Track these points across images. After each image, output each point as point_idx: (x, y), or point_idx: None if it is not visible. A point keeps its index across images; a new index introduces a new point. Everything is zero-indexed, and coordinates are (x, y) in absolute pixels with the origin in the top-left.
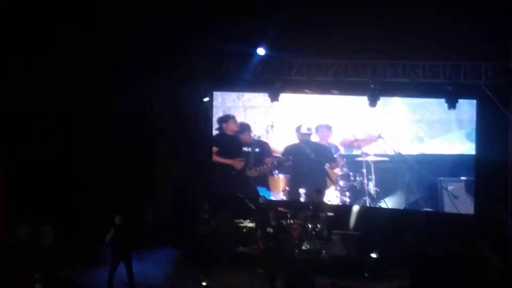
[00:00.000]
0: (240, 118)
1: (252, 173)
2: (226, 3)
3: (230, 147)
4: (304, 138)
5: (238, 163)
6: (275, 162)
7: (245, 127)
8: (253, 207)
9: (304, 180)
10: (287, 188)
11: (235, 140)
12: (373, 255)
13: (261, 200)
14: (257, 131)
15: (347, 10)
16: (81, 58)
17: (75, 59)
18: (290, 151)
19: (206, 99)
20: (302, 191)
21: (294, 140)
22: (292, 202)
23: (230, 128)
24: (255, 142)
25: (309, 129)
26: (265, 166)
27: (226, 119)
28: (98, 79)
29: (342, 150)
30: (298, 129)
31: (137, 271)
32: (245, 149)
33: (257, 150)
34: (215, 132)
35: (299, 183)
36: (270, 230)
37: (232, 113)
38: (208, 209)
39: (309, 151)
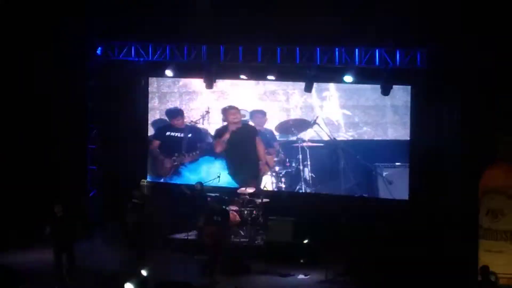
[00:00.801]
0: (175, 104)
1: (185, 159)
2: None
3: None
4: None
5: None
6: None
7: (177, 112)
8: (189, 193)
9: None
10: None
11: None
12: (309, 241)
13: (198, 186)
14: (193, 117)
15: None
16: None
17: None
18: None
19: (140, 85)
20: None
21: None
22: (228, 188)
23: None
24: (188, 127)
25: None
26: (197, 152)
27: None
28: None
29: (278, 136)
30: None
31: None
32: (177, 134)
33: (189, 135)
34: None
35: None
36: (218, 218)
37: (167, 98)
38: (140, 196)
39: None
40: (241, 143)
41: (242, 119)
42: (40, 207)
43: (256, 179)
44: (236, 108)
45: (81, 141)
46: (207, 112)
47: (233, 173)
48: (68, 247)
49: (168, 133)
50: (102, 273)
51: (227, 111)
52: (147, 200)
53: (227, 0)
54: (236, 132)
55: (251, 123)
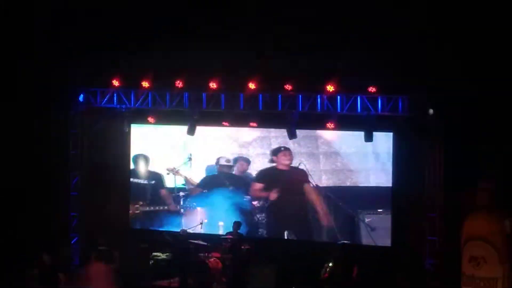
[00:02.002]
0: (158, 150)
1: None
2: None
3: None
4: (223, 170)
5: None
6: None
7: (142, 158)
8: (171, 240)
9: (222, 212)
10: (205, 220)
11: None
12: None
13: (181, 232)
14: (176, 164)
15: (263, 44)
16: None
17: None
18: (208, 183)
19: (126, 130)
20: (221, 223)
21: (213, 172)
22: (210, 235)
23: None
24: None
25: (228, 160)
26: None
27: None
28: None
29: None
30: (217, 161)
31: None
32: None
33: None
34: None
35: (217, 215)
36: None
37: (149, 146)
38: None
39: (227, 183)
40: (225, 191)
41: (226, 164)
42: (24, 254)
43: (239, 226)
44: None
45: (63, 188)
46: (189, 158)
47: (216, 219)
48: None
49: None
50: None
51: (218, 162)
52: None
53: (209, 48)
54: (223, 180)
55: (234, 169)
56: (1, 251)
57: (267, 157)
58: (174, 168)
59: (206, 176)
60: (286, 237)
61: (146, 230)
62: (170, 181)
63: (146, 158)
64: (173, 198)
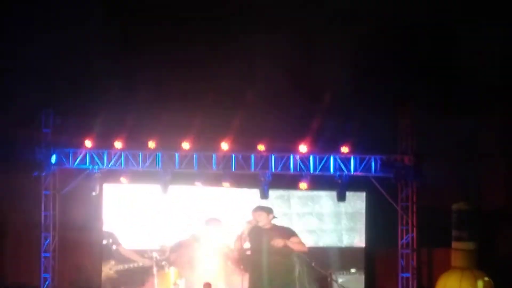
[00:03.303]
0: (131, 210)
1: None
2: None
3: None
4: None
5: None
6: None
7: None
8: None
9: (198, 273)
10: (178, 282)
11: None
12: None
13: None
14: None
15: (236, 104)
16: None
17: None
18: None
19: (94, 193)
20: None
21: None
22: None
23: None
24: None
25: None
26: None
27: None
28: None
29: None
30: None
31: None
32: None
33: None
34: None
35: (192, 276)
36: None
37: (121, 204)
38: None
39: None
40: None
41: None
42: None
43: None
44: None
45: (35, 250)
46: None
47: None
48: None
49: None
50: None
51: None
52: None
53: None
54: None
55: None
56: None
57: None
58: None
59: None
60: None
61: None
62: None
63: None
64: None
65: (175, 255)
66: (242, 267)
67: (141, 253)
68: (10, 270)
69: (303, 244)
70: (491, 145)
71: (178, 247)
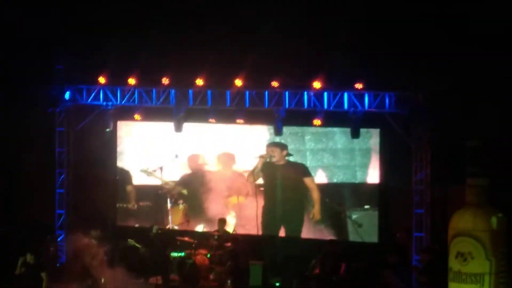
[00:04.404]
0: (145, 147)
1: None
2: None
3: None
4: (201, 168)
5: None
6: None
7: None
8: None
9: (211, 208)
10: (191, 217)
11: None
12: (279, 284)
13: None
14: (163, 161)
15: (250, 40)
16: None
17: None
18: (188, 181)
19: (108, 130)
20: (206, 220)
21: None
22: (196, 232)
23: None
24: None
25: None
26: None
27: None
28: None
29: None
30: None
31: None
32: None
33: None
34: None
35: (206, 211)
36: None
37: (136, 142)
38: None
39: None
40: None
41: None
42: (8, 253)
43: (224, 223)
44: None
45: (49, 185)
46: (176, 156)
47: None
48: None
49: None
50: None
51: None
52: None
53: (195, 43)
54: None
55: (219, 165)
56: None
57: (254, 153)
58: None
59: (185, 174)
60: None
61: (132, 227)
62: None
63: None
64: (156, 195)
65: (188, 191)
66: (255, 202)
67: (154, 189)
68: (24, 207)
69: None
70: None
71: (191, 183)
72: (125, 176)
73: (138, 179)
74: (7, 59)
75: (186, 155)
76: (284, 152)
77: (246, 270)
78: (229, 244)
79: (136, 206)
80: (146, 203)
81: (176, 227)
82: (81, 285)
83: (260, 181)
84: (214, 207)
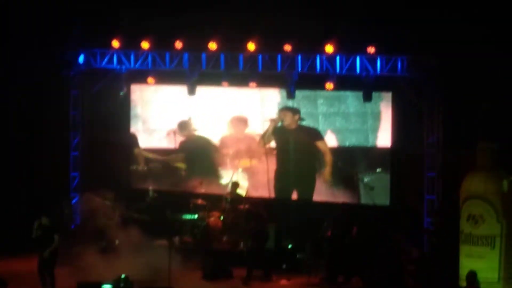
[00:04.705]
0: (158, 111)
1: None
2: None
3: None
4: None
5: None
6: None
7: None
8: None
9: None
10: (204, 180)
11: None
12: (290, 246)
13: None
14: (175, 124)
15: (263, 4)
16: None
17: None
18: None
19: (122, 93)
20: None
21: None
22: (210, 194)
23: None
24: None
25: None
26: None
27: None
28: None
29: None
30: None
31: None
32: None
33: (137, 139)
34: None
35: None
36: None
37: (149, 106)
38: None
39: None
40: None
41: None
42: (24, 215)
43: (237, 186)
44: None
45: (63, 148)
46: (189, 119)
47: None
48: (51, 264)
49: None
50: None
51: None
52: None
53: (208, 7)
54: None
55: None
56: (2, 212)
57: (266, 117)
58: (174, 130)
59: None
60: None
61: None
62: (170, 142)
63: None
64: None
65: (202, 153)
66: (267, 165)
67: (167, 152)
68: (39, 170)
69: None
70: None
71: (192, 149)
72: (134, 139)
73: (148, 141)
74: (23, 23)
75: (198, 119)
76: (296, 117)
77: (264, 232)
78: (241, 206)
79: (146, 168)
80: (156, 165)
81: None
82: (96, 247)
83: (273, 145)
84: (226, 171)
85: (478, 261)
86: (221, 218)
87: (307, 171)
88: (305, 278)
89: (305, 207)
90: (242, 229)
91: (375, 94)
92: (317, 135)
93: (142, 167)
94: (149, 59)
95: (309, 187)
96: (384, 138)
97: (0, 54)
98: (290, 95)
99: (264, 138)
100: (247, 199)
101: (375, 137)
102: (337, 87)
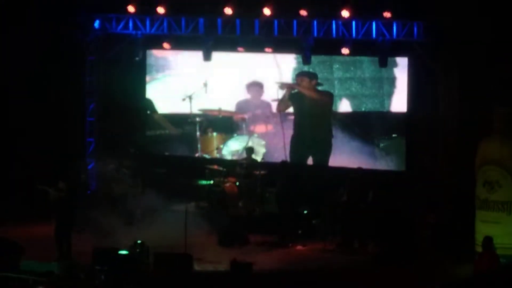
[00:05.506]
0: (173, 77)
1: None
2: None
3: None
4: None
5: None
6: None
7: None
8: None
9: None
10: (221, 146)
11: None
12: (306, 212)
13: None
14: (191, 90)
15: None
16: None
17: None
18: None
19: (137, 58)
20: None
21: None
22: (224, 160)
23: None
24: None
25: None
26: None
27: None
28: None
29: (275, 108)
30: None
31: None
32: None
33: (153, 105)
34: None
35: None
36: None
37: (165, 71)
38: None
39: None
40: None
41: None
42: (40, 181)
43: (252, 152)
44: None
45: (79, 114)
46: (205, 84)
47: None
48: (67, 229)
49: None
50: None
51: None
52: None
53: None
54: None
55: (247, 94)
56: (19, 177)
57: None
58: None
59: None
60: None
61: (163, 155)
62: (186, 107)
63: None
64: (189, 123)
65: (219, 120)
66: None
67: (184, 118)
68: (54, 136)
69: None
70: None
71: (221, 112)
72: (150, 104)
73: (167, 107)
74: None
75: (214, 84)
76: (313, 82)
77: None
78: (257, 172)
79: (164, 133)
80: (175, 130)
81: (206, 156)
82: (112, 212)
83: (290, 110)
84: (242, 137)
85: (494, 227)
86: (237, 183)
87: (323, 136)
88: (321, 244)
89: (321, 172)
90: (257, 194)
91: (390, 60)
92: (333, 100)
93: (159, 132)
94: (165, 24)
95: (325, 153)
96: (399, 104)
97: (17, 20)
98: (306, 61)
99: (282, 103)
100: (263, 164)
101: (391, 102)
102: (353, 52)
